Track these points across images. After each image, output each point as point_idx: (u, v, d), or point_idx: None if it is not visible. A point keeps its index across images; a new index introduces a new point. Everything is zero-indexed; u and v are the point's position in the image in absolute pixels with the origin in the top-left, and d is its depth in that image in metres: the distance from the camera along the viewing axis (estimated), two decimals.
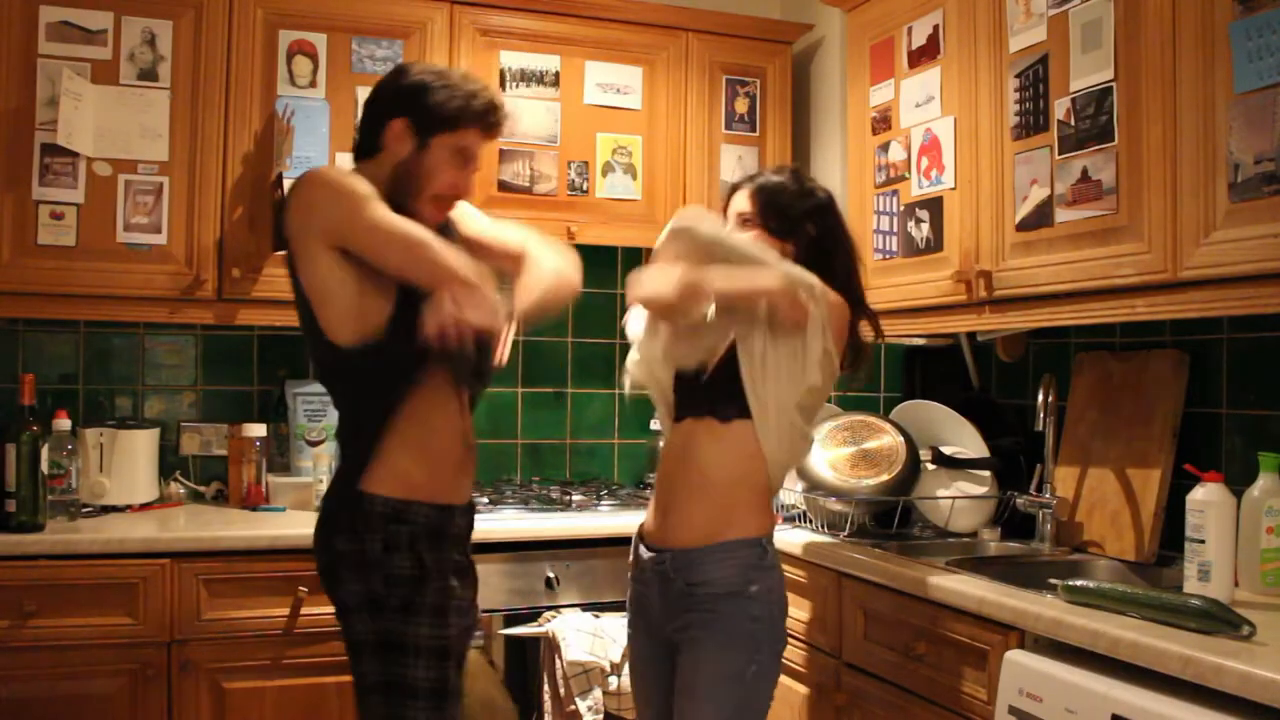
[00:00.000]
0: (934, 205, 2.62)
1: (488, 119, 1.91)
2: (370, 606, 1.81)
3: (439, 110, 1.87)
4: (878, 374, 3.27)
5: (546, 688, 2.65)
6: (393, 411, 1.85)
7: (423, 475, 1.86)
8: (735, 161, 3.26)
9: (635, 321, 2.15)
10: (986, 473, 2.66)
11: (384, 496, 1.83)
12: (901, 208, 2.75)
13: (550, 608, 2.72)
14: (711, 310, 1.96)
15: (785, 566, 2.58)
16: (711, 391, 2.01)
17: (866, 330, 2.18)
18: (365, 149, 1.95)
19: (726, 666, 1.92)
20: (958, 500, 2.63)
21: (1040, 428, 2.46)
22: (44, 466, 2.48)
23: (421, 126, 1.88)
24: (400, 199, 1.87)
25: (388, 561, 1.80)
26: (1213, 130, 1.85)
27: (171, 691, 2.41)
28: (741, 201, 2.13)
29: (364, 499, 1.83)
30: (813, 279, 1.97)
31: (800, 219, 2.10)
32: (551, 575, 2.74)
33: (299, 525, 2.59)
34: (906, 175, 2.73)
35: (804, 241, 2.10)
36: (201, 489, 3.05)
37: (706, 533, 1.97)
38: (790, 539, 2.57)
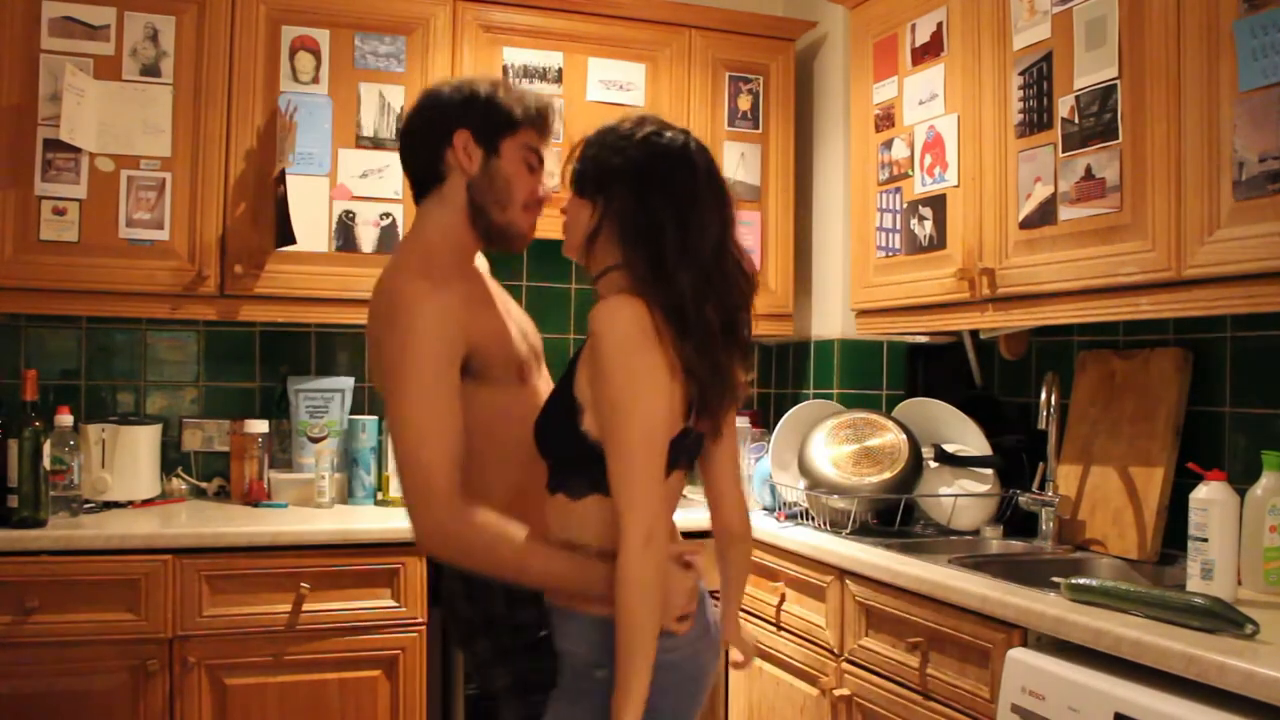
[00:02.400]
0: (937, 203, 2.62)
1: (544, 119, 1.79)
2: (502, 656, 1.73)
3: (498, 113, 1.72)
4: (880, 372, 3.26)
5: None
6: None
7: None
8: (738, 159, 3.26)
9: None
10: (989, 471, 2.66)
11: None
12: (904, 205, 2.75)
13: None
14: None
15: (787, 565, 2.60)
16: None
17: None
18: (426, 182, 1.75)
19: None
20: (960, 498, 2.62)
21: (1043, 426, 2.46)
22: (46, 462, 2.48)
23: (486, 133, 1.72)
24: (490, 215, 1.73)
25: (512, 616, 1.71)
26: (1217, 128, 1.85)
27: (173, 688, 2.41)
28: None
29: None
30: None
31: (610, 176, 1.59)
32: None
33: (301, 521, 2.60)
34: (910, 173, 2.73)
35: (612, 208, 1.57)
36: (203, 485, 3.05)
37: None
38: (792, 536, 2.57)
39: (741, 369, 1.61)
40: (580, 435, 1.52)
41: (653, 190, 1.55)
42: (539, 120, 1.77)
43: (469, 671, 1.79)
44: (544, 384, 1.81)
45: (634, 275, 1.54)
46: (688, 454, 1.60)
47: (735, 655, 1.89)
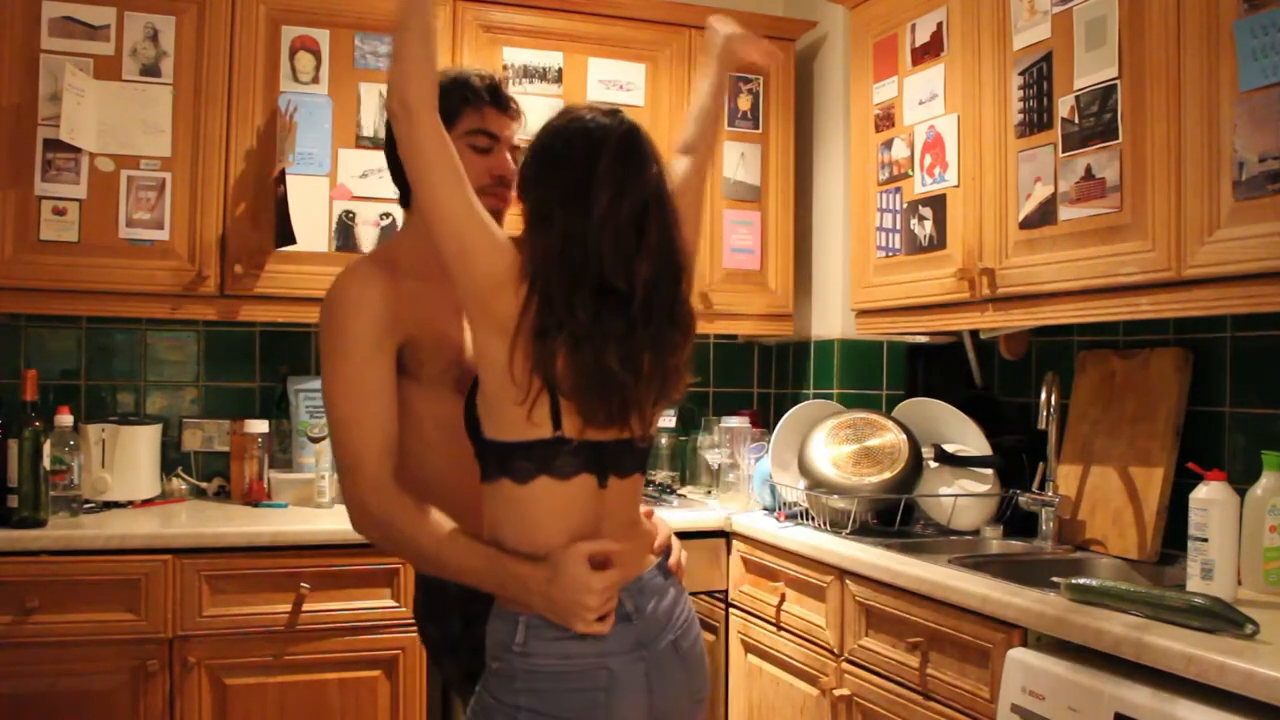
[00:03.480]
0: (937, 203, 2.62)
1: (480, 93, 1.68)
2: (471, 677, 1.66)
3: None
4: (880, 372, 3.27)
5: None
6: None
7: None
8: (738, 159, 3.26)
9: None
10: (989, 471, 2.66)
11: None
12: (904, 205, 2.75)
13: None
14: None
15: (787, 565, 2.60)
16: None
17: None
18: (405, 189, 1.72)
19: None
20: (960, 498, 2.62)
21: (1043, 426, 2.45)
22: (46, 462, 2.48)
23: None
24: None
25: (470, 636, 1.65)
26: (1217, 128, 1.85)
27: (173, 688, 2.41)
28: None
29: (433, 580, 1.68)
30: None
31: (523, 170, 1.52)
32: None
33: (301, 521, 2.60)
34: (910, 173, 2.73)
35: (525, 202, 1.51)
36: (203, 485, 3.05)
37: None
38: (792, 536, 2.57)
39: (677, 354, 1.50)
40: (474, 421, 1.50)
41: (545, 178, 1.46)
42: (478, 98, 1.68)
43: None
44: None
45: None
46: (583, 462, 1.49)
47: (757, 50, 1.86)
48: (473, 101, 1.68)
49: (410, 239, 1.69)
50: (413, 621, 1.86)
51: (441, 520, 1.54)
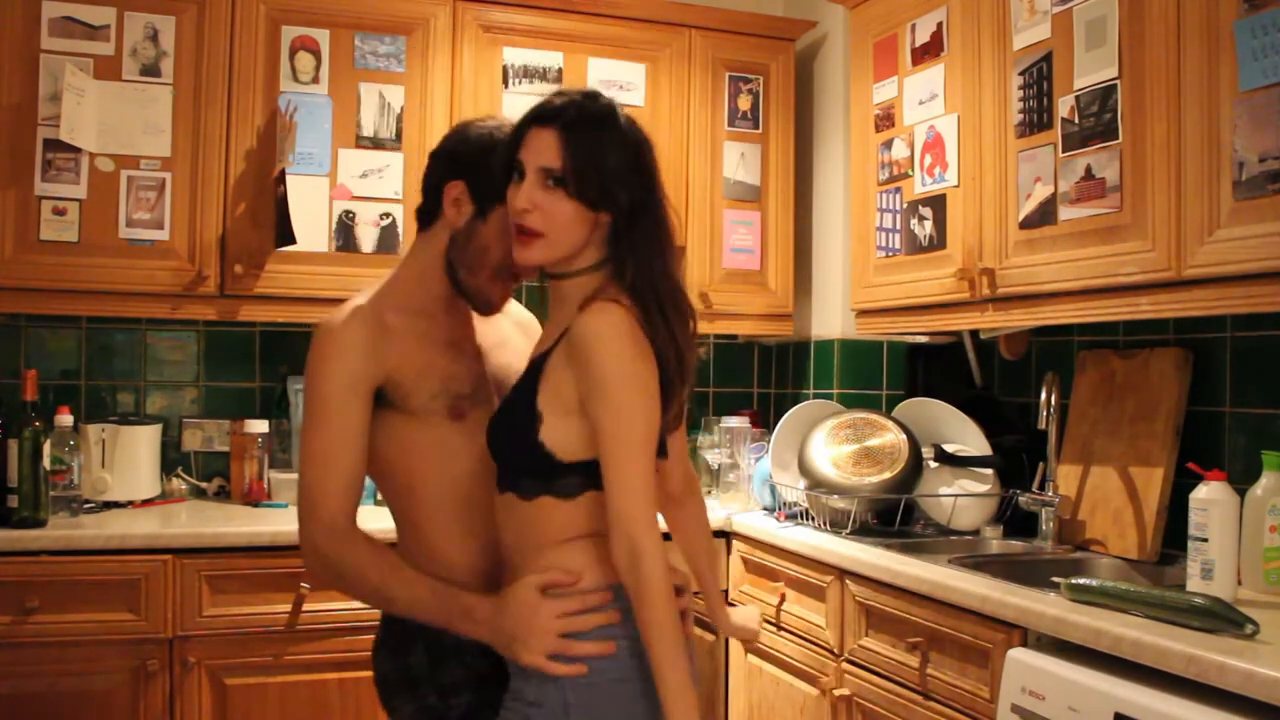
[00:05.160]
0: (937, 203, 2.62)
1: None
2: None
3: (500, 177, 1.58)
4: (880, 372, 3.27)
5: None
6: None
7: None
8: (738, 159, 3.26)
9: None
10: (989, 471, 2.66)
11: None
12: (904, 205, 2.75)
13: None
14: None
15: (787, 565, 2.60)
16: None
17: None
18: (427, 212, 1.69)
19: None
20: (960, 498, 2.62)
21: (1043, 426, 2.45)
22: (46, 462, 2.47)
23: (482, 193, 1.61)
24: (459, 272, 1.64)
25: (436, 674, 1.61)
26: (1217, 128, 1.85)
27: (173, 688, 2.41)
28: (547, 147, 1.47)
29: None
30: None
31: (617, 179, 1.48)
32: None
33: None
34: (910, 173, 2.73)
35: (619, 212, 1.49)
36: (203, 485, 3.05)
37: None
38: (792, 536, 2.57)
39: (692, 349, 1.54)
40: (535, 444, 1.46)
41: (650, 189, 1.51)
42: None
43: None
44: None
45: (615, 277, 1.48)
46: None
47: (742, 629, 1.86)
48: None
49: (413, 273, 1.67)
50: None
51: (389, 556, 1.55)
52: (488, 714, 1.56)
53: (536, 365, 1.51)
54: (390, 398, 1.58)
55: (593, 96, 1.55)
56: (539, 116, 1.50)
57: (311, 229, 2.81)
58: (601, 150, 1.48)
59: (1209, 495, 1.83)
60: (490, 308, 1.69)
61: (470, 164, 1.63)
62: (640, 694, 1.44)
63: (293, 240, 2.74)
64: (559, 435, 1.46)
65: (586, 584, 1.47)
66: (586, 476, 1.47)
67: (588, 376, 1.43)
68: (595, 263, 1.51)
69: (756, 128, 3.29)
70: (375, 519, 1.71)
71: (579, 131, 1.47)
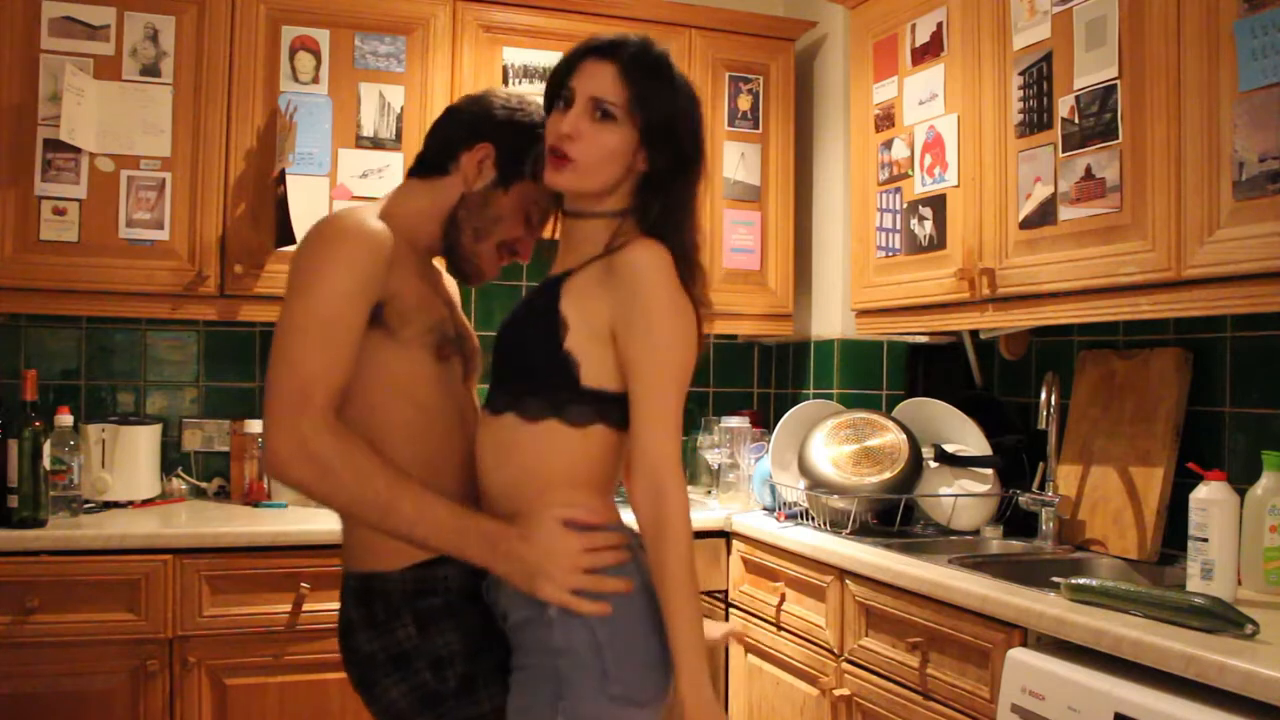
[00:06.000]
0: (937, 203, 2.62)
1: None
2: (428, 703, 1.51)
3: (532, 153, 1.59)
4: (880, 372, 3.27)
5: None
6: None
7: None
8: (738, 159, 3.26)
9: None
10: (989, 471, 2.66)
11: (396, 571, 1.51)
12: (904, 205, 2.75)
13: None
14: None
15: (787, 565, 2.60)
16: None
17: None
18: (431, 165, 1.65)
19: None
20: (960, 498, 2.62)
21: (1043, 426, 2.45)
22: (46, 462, 2.48)
23: (508, 163, 1.60)
24: (462, 235, 1.61)
25: (428, 645, 1.51)
26: (1217, 128, 1.85)
27: (173, 688, 2.41)
28: (605, 78, 1.48)
29: (373, 579, 1.53)
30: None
31: (684, 127, 1.50)
32: None
33: (301, 521, 2.60)
34: (909, 173, 2.73)
35: (667, 159, 1.49)
36: (203, 485, 3.05)
37: None
38: (792, 536, 2.57)
39: (706, 308, 1.52)
40: (559, 353, 1.42)
41: (697, 144, 1.51)
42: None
43: None
44: (470, 389, 1.69)
45: (646, 222, 1.47)
46: None
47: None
48: None
49: (410, 209, 1.62)
50: None
51: (391, 464, 1.43)
52: (485, 683, 1.49)
53: (553, 283, 1.47)
54: (386, 319, 1.50)
55: (651, 42, 1.54)
56: (597, 49, 1.51)
57: None
58: (666, 95, 1.48)
59: (1209, 495, 1.83)
60: (475, 277, 1.66)
61: (502, 131, 1.61)
62: (653, 630, 1.42)
63: (293, 240, 2.74)
64: (583, 352, 1.42)
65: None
66: (600, 407, 1.43)
67: (633, 305, 1.40)
68: (617, 210, 1.50)
69: (756, 128, 3.29)
70: None
71: (640, 71, 1.48)
